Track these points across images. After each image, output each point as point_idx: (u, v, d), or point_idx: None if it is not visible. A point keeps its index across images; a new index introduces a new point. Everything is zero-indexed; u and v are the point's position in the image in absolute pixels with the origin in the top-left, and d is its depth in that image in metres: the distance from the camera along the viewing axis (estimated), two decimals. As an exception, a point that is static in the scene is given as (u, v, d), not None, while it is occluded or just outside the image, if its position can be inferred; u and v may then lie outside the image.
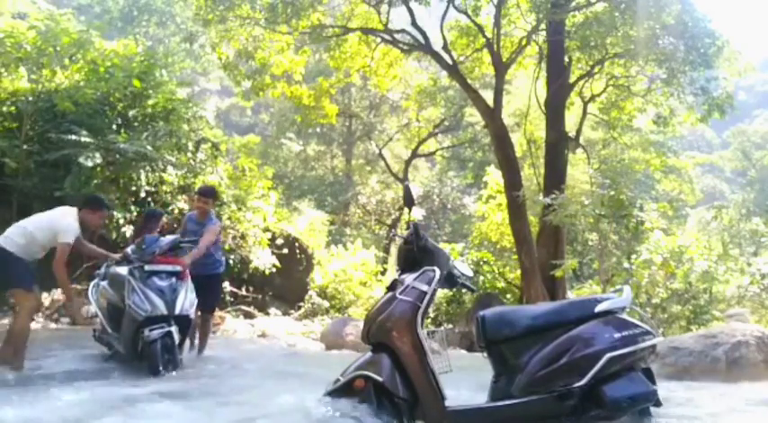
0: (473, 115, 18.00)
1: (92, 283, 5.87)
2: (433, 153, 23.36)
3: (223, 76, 19.99)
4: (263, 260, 10.19)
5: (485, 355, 3.30)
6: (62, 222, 4.91)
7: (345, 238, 17.56)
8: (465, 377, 4.04)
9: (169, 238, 5.49)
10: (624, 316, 3.19)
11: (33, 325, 7.51)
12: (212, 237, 5.74)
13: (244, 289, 10.21)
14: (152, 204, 9.20)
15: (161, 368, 4.76)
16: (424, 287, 3.11)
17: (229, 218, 10.04)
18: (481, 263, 12.57)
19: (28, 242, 4.84)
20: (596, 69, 11.52)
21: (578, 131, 12.28)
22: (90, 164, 7.83)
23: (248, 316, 10.01)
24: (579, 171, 12.79)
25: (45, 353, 5.56)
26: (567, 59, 11.27)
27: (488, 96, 11.83)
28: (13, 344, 4.85)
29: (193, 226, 5.95)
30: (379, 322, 3.12)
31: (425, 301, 3.09)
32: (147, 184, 8.87)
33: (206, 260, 5.76)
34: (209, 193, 6.10)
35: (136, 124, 9.31)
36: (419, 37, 11.46)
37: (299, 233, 11.97)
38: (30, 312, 5.05)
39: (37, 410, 3.57)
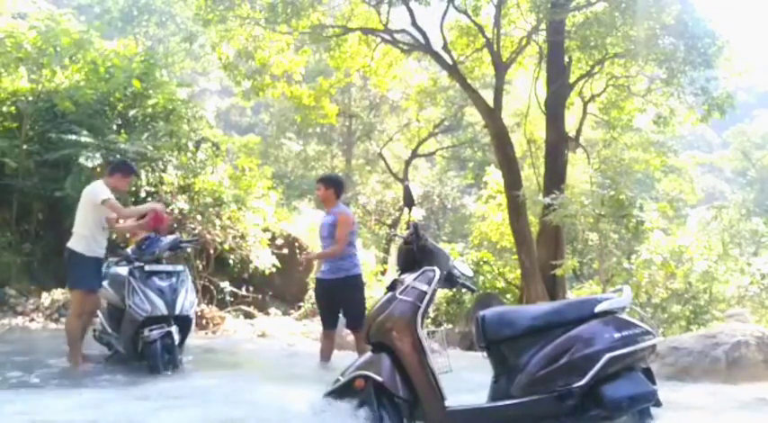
0: (473, 115, 18.00)
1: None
2: (433, 153, 23.34)
3: (223, 76, 19.95)
4: (263, 260, 10.18)
5: (485, 355, 3.30)
6: (89, 190, 5.09)
7: (345, 238, 17.53)
8: (465, 377, 4.04)
9: (169, 237, 5.49)
10: (624, 316, 3.19)
11: (33, 325, 7.56)
12: (346, 228, 5.14)
13: (244, 289, 10.19)
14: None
15: (161, 368, 4.76)
16: (424, 287, 3.11)
17: (229, 218, 10.03)
18: (481, 263, 12.56)
19: (87, 229, 4.99)
20: (596, 69, 11.53)
21: (578, 131, 12.30)
22: (91, 164, 7.82)
23: (248, 316, 10.00)
24: (579, 171, 12.79)
25: (45, 353, 5.56)
26: (567, 59, 11.27)
27: (488, 96, 11.83)
28: (71, 344, 5.02)
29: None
30: (379, 322, 3.12)
31: (425, 301, 3.09)
32: (147, 183, 8.86)
33: (337, 260, 5.18)
34: (328, 180, 5.49)
35: (136, 124, 9.30)
36: (419, 37, 11.46)
37: (299, 233, 11.95)
38: (76, 313, 5.14)
39: (36, 411, 3.57)
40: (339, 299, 5.25)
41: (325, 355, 5.40)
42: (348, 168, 24.22)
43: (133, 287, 4.96)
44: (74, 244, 5.02)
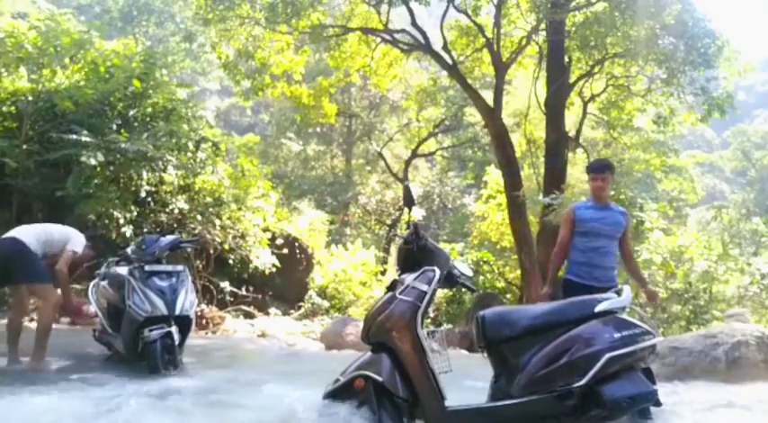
0: (473, 115, 18.01)
1: (92, 283, 5.86)
2: (433, 153, 23.35)
3: (223, 76, 19.98)
4: (263, 260, 10.19)
5: (485, 355, 3.30)
6: (76, 233, 5.20)
7: (345, 238, 17.57)
8: (465, 377, 4.04)
9: (169, 237, 5.49)
10: (624, 316, 3.19)
11: (33, 325, 7.54)
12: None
13: (244, 289, 10.20)
14: (152, 204, 9.20)
15: (161, 368, 4.76)
16: (424, 287, 3.10)
17: (229, 218, 10.04)
18: (481, 263, 12.58)
19: (44, 241, 4.99)
20: (596, 69, 11.53)
21: (578, 131, 12.29)
22: (93, 162, 7.83)
23: (248, 316, 10.01)
24: (579, 171, 12.79)
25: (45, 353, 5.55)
26: (567, 59, 11.27)
27: (488, 96, 11.83)
28: (41, 341, 4.93)
29: (592, 214, 4.39)
30: (379, 322, 3.11)
31: (425, 301, 3.08)
32: (147, 183, 8.87)
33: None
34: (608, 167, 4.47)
35: (136, 124, 9.30)
36: (419, 37, 11.47)
37: (299, 233, 11.96)
38: (55, 307, 5.14)
39: (36, 411, 3.57)
40: None
41: None
42: (348, 168, 24.22)
43: (133, 287, 4.95)
44: (26, 239, 4.90)
